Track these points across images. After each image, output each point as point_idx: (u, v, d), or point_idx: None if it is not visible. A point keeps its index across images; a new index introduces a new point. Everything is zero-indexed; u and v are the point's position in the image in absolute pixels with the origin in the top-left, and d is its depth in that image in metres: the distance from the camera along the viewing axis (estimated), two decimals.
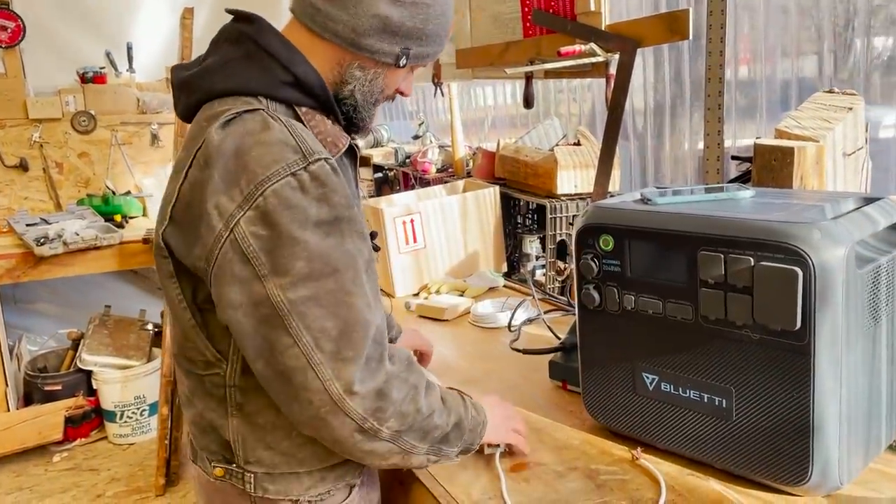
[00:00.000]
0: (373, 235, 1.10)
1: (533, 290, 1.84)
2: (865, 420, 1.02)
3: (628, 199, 1.21)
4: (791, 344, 0.95)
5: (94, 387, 3.37)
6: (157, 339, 3.49)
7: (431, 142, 3.65)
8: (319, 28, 1.00)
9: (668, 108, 2.38)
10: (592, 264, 1.16)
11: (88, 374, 3.37)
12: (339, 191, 0.93)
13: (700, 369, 1.06)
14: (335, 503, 1.09)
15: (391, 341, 1.45)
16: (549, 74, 2.15)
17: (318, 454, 1.03)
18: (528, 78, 2.14)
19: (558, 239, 2.21)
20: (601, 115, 2.68)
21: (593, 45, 1.81)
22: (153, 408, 3.35)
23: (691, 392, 1.08)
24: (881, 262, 1.00)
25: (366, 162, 3.76)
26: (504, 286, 2.20)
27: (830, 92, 1.52)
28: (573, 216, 2.27)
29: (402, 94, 1.12)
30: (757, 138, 1.48)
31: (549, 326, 1.68)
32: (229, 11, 1.06)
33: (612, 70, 1.83)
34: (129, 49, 4.08)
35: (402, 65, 1.04)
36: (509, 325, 1.79)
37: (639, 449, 1.17)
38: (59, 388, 3.33)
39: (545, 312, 1.80)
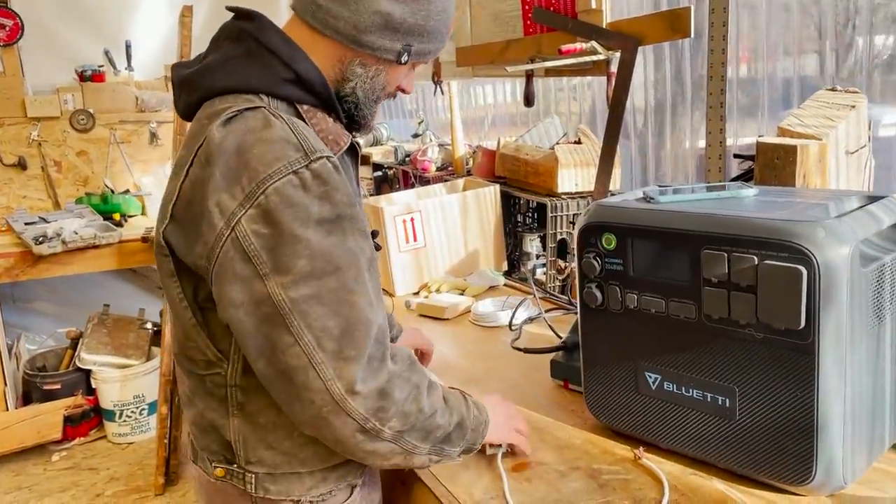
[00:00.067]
0: (374, 234, 1.09)
1: (534, 289, 1.83)
2: (869, 419, 1.02)
3: (631, 198, 1.20)
4: (795, 343, 0.95)
5: (93, 386, 3.37)
6: (156, 338, 3.49)
7: (431, 140, 3.64)
8: (320, 25, 1.00)
9: (668, 106, 2.38)
10: (595, 263, 1.16)
11: (87, 373, 3.36)
12: (340, 189, 0.92)
13: (703, 368, 1.06)
14: (337, 503, 1.08)
15: (392, 340, 1.45)
16: (549, 72, 2.14)
17: (319, 454, 1.03)
18: (529, 76, 2.13)
19: (559, 237, 2.20)
20: (601, 114, 2.68)
21: (594, 43, 1.80)
22: (152, 407, 3.34)
23: (694, 391, 1.08)
24: (885, 260, 0.99)
25: (365, 160, 3.75)
26: (504, 285, 2.19)
27: (833, 90, 1.52)
28: (574, 215, 2.27)
29: (403, 91, 1.11)
30: (759, 136, 1.47)
31: (550, 325, 1.67)
32: (230, 9, 1.05)
33: (614, 68, 1.83)
34: (128, 47, 4.07)
35: (403, 62, 1.03)
36: (510, 324, 1.79)
37: (641, 448, 1.17)
38: (57, 387, 3.33)
39: (546, 311, 1.79)
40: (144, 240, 3.30)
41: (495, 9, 2.26)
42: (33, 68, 3.87)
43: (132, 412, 3.37)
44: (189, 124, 1.02)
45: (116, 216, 3.61)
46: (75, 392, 3.34)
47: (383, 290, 1.95)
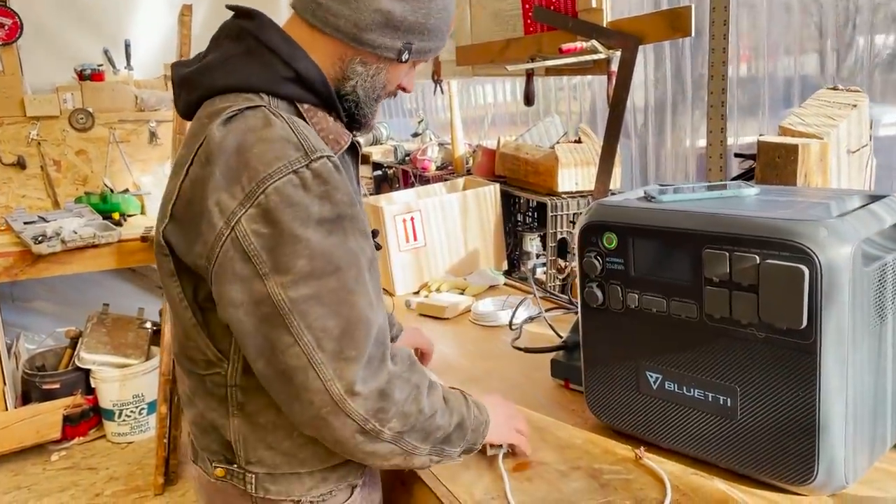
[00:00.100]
0: (374, 234, 1.09)
1: (534, 288, 1.83)
2: (871, 419, 1.02)
3: (632, 197, 1.20)
4: (797, 343, 0.94)
5: (93, 385, 3.36)
6: (155, 337, 3.49)
7: (431, 139, 3.64)
8: (321, 23, 0.99)
9: (668, 105, 2.37)
10: (596, 262, 1.15)
11: (87, 372, 3.36)
12: (341, 188, 0.92)
13: (704, 368, 1.05)
14: (337, 503, 1.08)
15: (392, 340, 1.44)
16: (549, 72, 2.14)
17: (319, 454, 1.02)
18: (529, 75, 2.13)
19: (559, 237, 2.20)
20: (601, 113, 2.67)
21: (595, 42, 1.80)
22: (151, 406, 3.34)
23: (695, 391, 1.07)
24: (887, 259, 0.99)
25: (365, 160, 3.74)
26: (504, 284, 2.19)
27: (835, 89, 1.51)
28: (574, 214, 2.26)
29: (404, 89, 1.11)
30: (760, 135, 1.47)
31: (550, 325, 1.67)
32: (230, 7, 1.05)
33: (614, 67, 1.83)
34: (128, 46, 4.07)
35: (404, 60, 1.03)
36: (510, 324, 1.79)
37: (642, 448, 1.16)
38: (57, 386, 3.32)
39: (546, 311, 1.79)
40: (144, 239, 3.30)
41: (495, 8, 2.26)
42: (32, 67, 3.87)
43: (131, 412, 3.36)
44: (189, 123, 1.02)
45: (116, 215, 3.61)
46: (74, 391, 3.34)
47: (383, 289, 1.94)
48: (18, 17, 3.71)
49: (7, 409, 3.19)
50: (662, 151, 2.44)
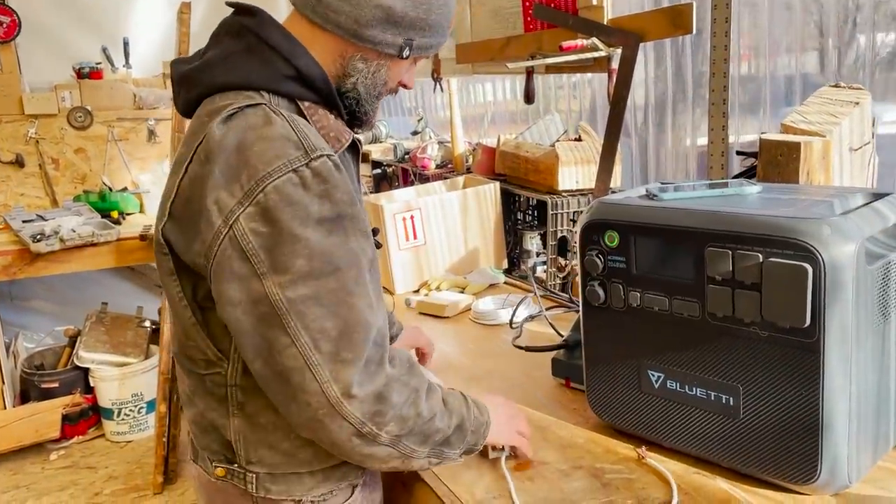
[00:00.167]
0: (374, 232, 1.08)
1: (534, 287, 1.83)
2: (874, 418, 1.01)
3: (633, 195, 1.19)
4: (800, 341, 0.94)
5: (92, 384, 3.36)
6: (154, 336, 3.48)
7: (431, 137, 3.63)
8: (321, 19, 0.98)
9: (669, 103, 2.37)
10: (597, 261, 1.15)
11: (86, 371, 3.35)
12: (341, 187, 0.91)
13: (707, 367, 1.05)
14: (337, 503, 1.07)
15: (392, 338, 1.44)
16: (550, 69, 2.13)
17: (319, 454, 1.02)
18: (529, 73, 2.12)
19: (559, 235, 2.20)
20: (602, 111, 2.67)
21: (595, 40, 1.79)
22: (151, 405, 3.33)
23: (698, 390, 1.07)
24: (891, 258, 0.99)
25: (364, 158, 3.74)
26: (505, 283, 2.18)
27: (837, 86, 1.51)
28: (574, 212, 2.26)
29: (404, 86, 1.10)
30: (762, 133, 1.46)
31: (551, 323, 1.66)
32: (230, 4, 1.04)
33: (615, 65, 1.82)
34: (126, 44, 4.06)
35: (405, 56, 1.02)
36: (511, 322, 1.78)
37: (644, 447, 1.16)
38: (56, 385, 3.32)
39: (547, 309, 1.78)
40: (142, 237, 3.29)
41: (495, 5, 2.25)
42: (31, 65, 3.86)
43: (130, 411, 3.36)
44: (188, 121, 1.01)
45: (114, 214, 3.60)
46: (73, 390, 3.33)
47: (383, 288, 1.94)
48: (17, 15, 3.69)
49: (6, 408, 3.18)
50: (663, 149, 2.43)
